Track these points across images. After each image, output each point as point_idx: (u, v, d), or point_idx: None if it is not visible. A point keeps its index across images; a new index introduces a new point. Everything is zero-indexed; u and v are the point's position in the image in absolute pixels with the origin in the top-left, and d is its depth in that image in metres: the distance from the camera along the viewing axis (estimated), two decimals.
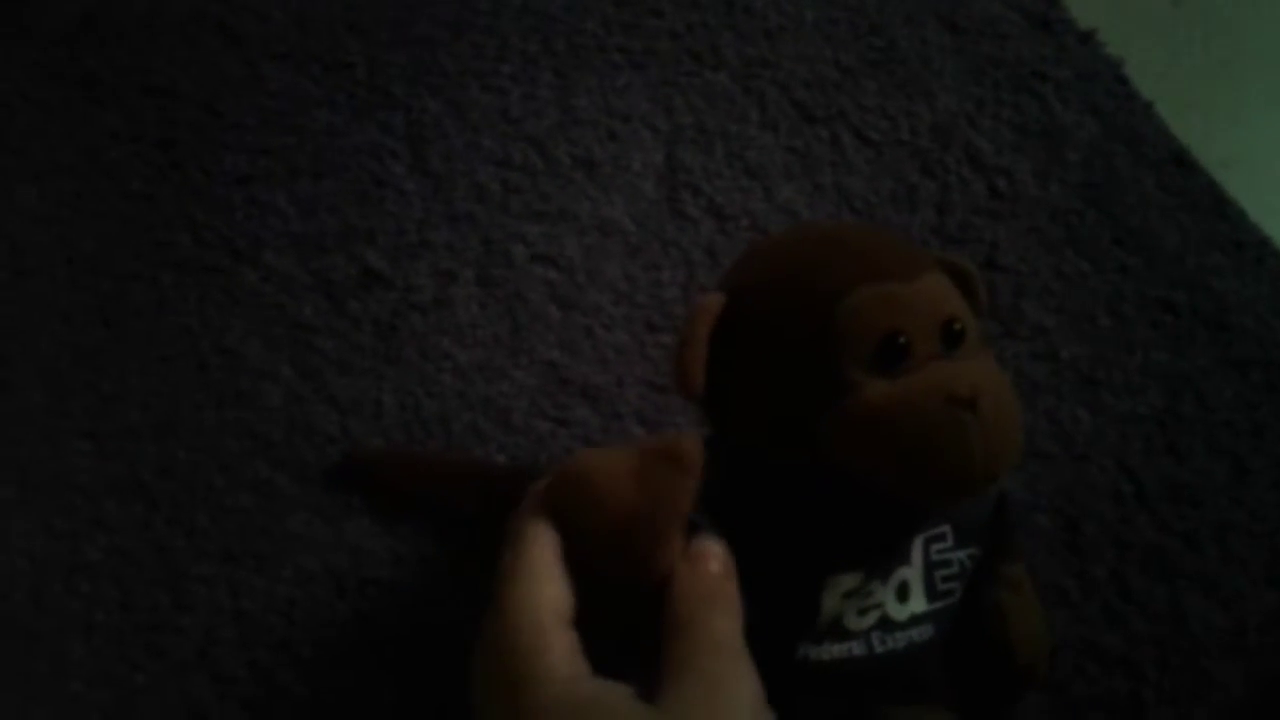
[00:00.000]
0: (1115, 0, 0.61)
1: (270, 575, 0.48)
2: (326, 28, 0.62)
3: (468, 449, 0.50)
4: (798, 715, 0.31)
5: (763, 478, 0.35)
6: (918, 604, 0.36)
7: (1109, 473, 0.48)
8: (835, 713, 0.35)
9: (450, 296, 0.54)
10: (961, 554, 0.37)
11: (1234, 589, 0.45)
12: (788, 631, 0.34)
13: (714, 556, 0.31)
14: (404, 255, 0.55)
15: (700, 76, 0.60)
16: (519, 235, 0.55)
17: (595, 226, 0.55)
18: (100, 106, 0.61)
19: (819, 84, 0.59)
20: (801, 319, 0.34)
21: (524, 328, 0.53)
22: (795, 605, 0.34)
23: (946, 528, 0.37)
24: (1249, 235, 0.53)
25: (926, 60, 0.59)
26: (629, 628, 0.30)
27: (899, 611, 0.36)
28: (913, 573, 0.36)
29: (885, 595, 0.36)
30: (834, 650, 0.35)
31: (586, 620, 0.30)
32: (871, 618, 0.35)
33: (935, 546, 0.37)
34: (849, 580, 0.35)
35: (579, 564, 0.31)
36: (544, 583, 0.30)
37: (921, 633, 0.36)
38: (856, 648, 0.35)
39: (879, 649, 0.35)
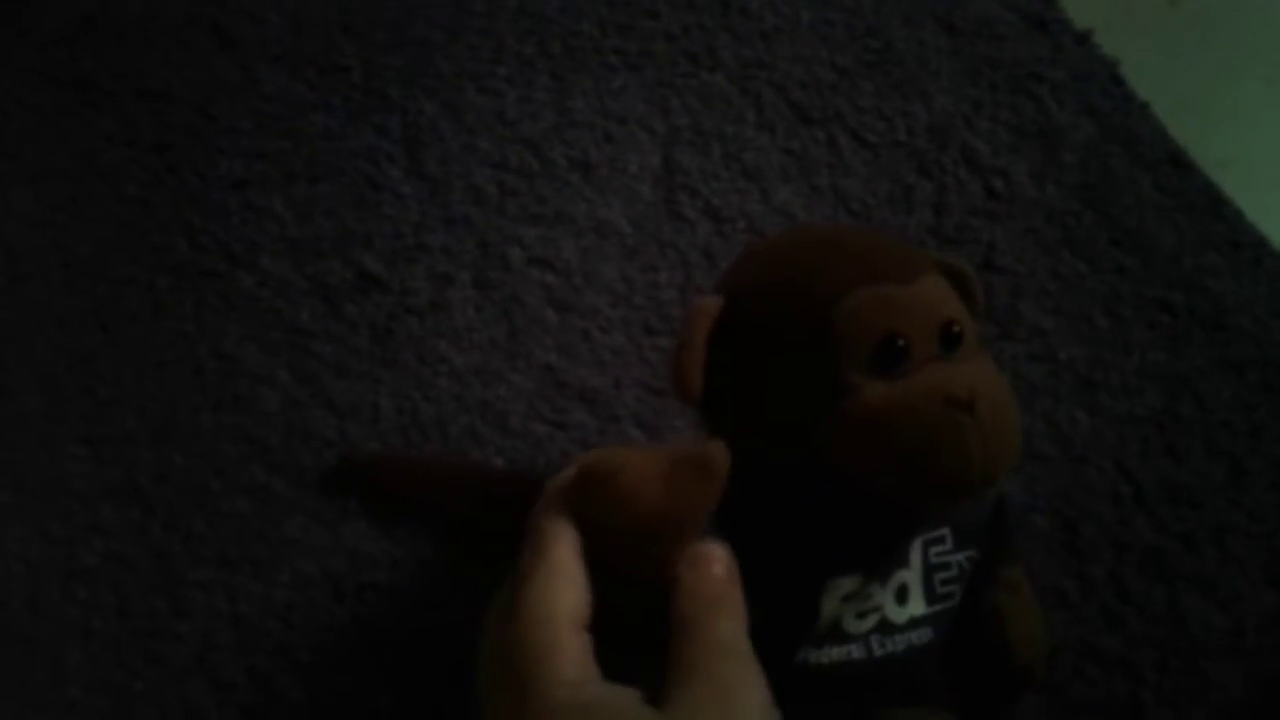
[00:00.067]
0: (1112, 1, 0.61)
1: (268, 580, 0.48)
2: (321, 31, 0.62)
3: (465, 452, 0.50)
4: (797, 719, 0.31)
5: (761, 480, 0.35)
6: (917, 607, 0.36)
7: (1107, 474, 0.48)
8: (835, 716, 0.35)
9: (447, 300, 0.54)
10: (960, 556, 0.37)
11: (1232, 590, 0.45)
12: (787, 635, 0.34)
13: (718, 560, 0.31)
14: (400, 259, 0.55)
15: (696, 78, 0.59)
16: (515, 238, 0.55)
17: (592, 229, 0.55)
18: (96, 110, 0.60)
19: (815, 85, 0.59)
20: (799, 321, 0.34)
21: (521, 331, 0.53)
22: (794, 608, 0.34)
23: (945, 530, 0.37)
24: (1246, 235, 0.53)
25: (923, 61, 0.59)
26: (635, 631, 0.30)
27: (898, 614, 0.36)
28: (912, 575, 0.36)
29: (884, 598, 0.36)
30: (833, 653, 0.35)
31: (596, 622, 0.30)
32: (871, 620, 0.35)
33: (934, 549, 0.37)
34: (848, 583, 0.35)
35: (596, 563, 0.31)
36: (563, 584, 0.30)
37: (920, 635, 0.36)
38: (856, 651, 0.35)
39: (878, 652, 0.35)
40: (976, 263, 0.53)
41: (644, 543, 0.30)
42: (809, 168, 0.56)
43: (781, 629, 0.34)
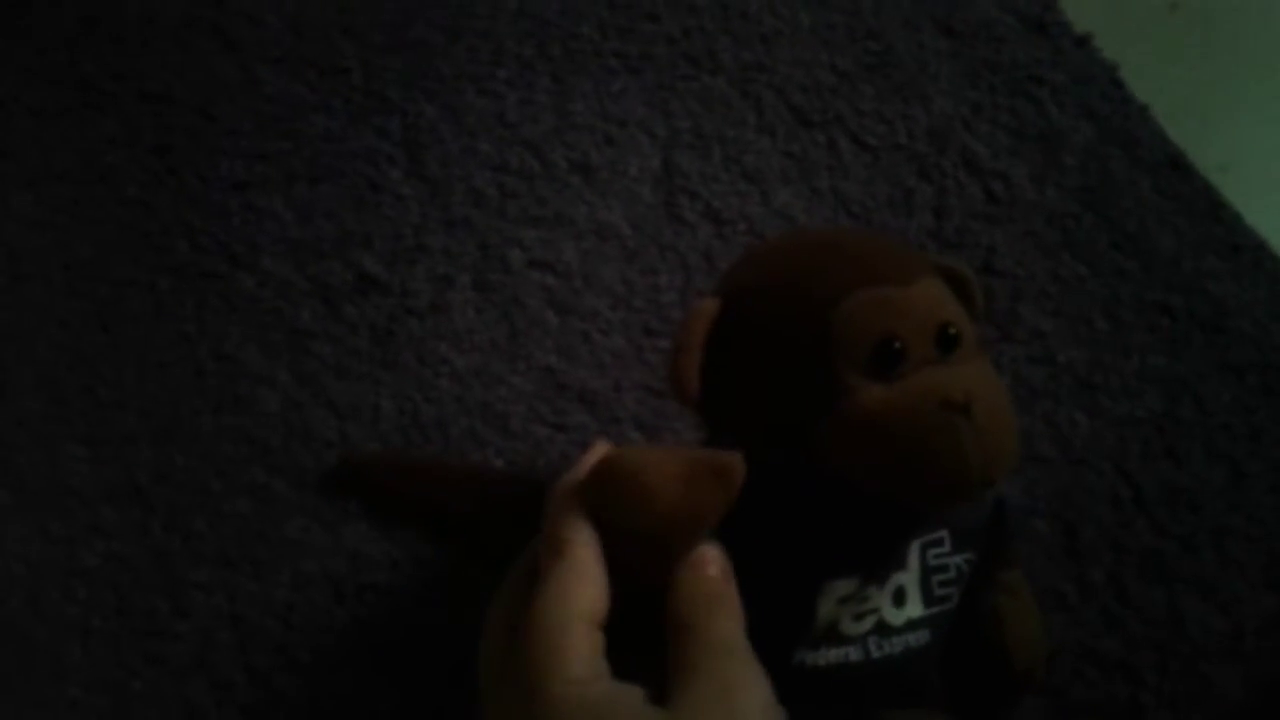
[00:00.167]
0: (1111, 4, 0.61)
1: (268, 580, 0.48)
2: (322, 32, 0.62)
3: (465, 454, 0.50)
4: None
5: (759, 482, 0.35)
6: (914, 609, 0.36)
7: (1107, 477, 0.48)
8: (832, 718, 0.35)
9: (447, 301, 0.54)
10: (958, 559, 0.37)
11: (1232, 593, 0.45)
12: (784, 637, 0.34)
13: (712, 561, 0.31)
14: (401, 260, 0.55)
15: (697, 81, 0.60)
16: (516, 240, 0.55)
17: (592, 231, 0.55)
18: (96, 112, 0.61)
19: (815, 89, 0.59)
20: (797, 323, 0.34)
21: (521, 333, 0.53)
22: (791, 610, 0.34)
23: (944, 533, 0.37)
24: (1245, 239, 0.53)
25: (923, 64, 0.59)
26: (636, 630, 0.30)
27: (895, 616, 0.36)
28: (909, 578, 0.36)
29: (882, 600, 0.36)
30: (830, 656, 0.35)
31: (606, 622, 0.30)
32: (868, 623, 0.35)
33: (932, 551, 0.37)
34: (845, 585, 0.35)
35: (609, 561, 0.31)
36: (584, 582, 0.30)
37: (918, 638, 0.36)
38: (853, 653, 0.35)
39: (875, 654, 0.35)
40: (976, 266, 0.53)
41: (657, 543, 0.31)
42: (809, 171, 0.56)
43: (778, 631, 0.34)
